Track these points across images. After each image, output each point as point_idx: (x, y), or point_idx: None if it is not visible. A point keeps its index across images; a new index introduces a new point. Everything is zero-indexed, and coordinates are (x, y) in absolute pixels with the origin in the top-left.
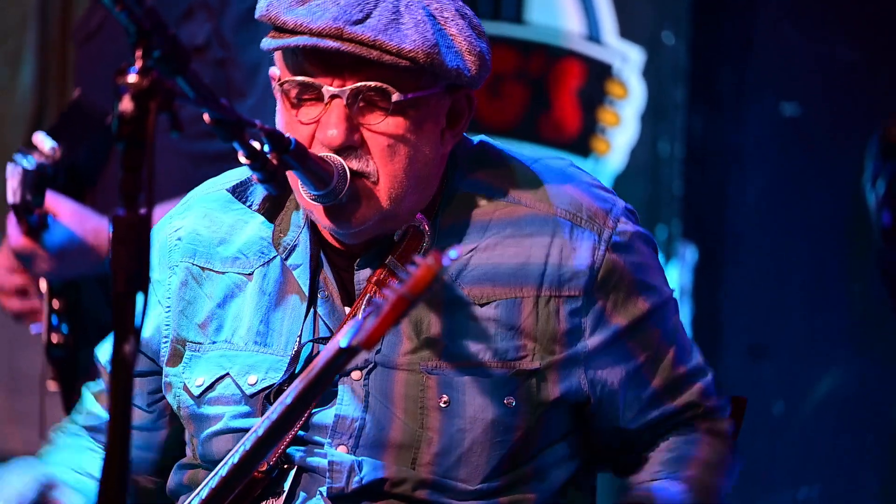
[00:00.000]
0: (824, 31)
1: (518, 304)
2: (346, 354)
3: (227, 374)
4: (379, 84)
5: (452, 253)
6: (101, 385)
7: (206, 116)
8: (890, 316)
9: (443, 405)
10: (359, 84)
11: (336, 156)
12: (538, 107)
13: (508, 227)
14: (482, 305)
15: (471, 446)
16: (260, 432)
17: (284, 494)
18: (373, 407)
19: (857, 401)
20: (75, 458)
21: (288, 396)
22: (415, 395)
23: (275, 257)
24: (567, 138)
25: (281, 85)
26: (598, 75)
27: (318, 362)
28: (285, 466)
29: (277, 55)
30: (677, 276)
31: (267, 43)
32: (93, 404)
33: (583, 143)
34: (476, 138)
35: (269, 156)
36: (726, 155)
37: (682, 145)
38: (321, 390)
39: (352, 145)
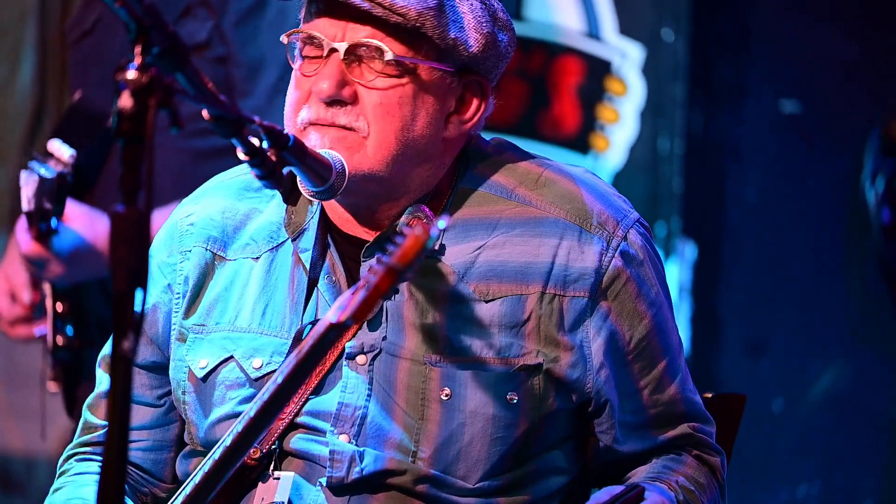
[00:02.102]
0: (824, 27)
1: (523, 301)
2: (336, 329)
3: (232, 356)
4: (373, 41)
5: (441, 223)
6: (94, 395)
7: (205, 113)
8: (889, 312)
9: (444, 398)
10: (355, 40)
11: (335, 152)
12: (538, 104)
13: (518, 227)
14: (487, 302)
15: (470, 441)
16: (252, 413)
17: (279, 483)
18: (376, 395)
19: (856, 397)
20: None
21: (279, 375)
22: (417, 386)
23: (283, 242)
24: (566, 135)
25: (289, 37)
26: (598, 72)
27: (309, 340)
28: (274, 447)
29: (301, 13)
30: (676, 272)
31: None
32: (89, 416)
33: (582, 139)
34: (492, 138)
35: (267, 152)
36: (726, 152)
37: (682, 142)
38: (312, 368)
39: (342, 99)
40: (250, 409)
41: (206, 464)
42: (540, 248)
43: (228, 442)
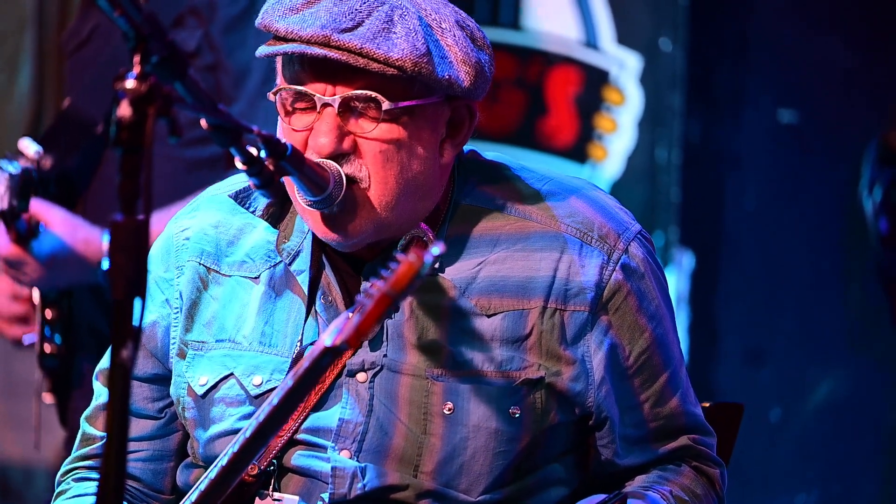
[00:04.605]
0: (822, 37)
1: (524, 315)
2: (331, 353)
3: (232, 374)
4: (368, 93)
5: (435, 249)
6: (93, 407)
7: (203, 122)
8: (887, 321)
9: (447, 412)
10: (349, 92)
11: (332, 162)
12: (535, 113)
13: (519, 242)
14: (489, 316)
15: (473, 455)
16: (248, 434)
17: (283, 500)
18: (377, 411)
19: (855, 406)
20: None
21: (275, 397)
22: (419, 401)
23: (281, 261)
24: (564, 145)
25: (276, 93)
26: (596, 82)
27: (304, 362)
28: (272, 468)
29: (277, 64)
30: (674, 282)
31: (261, 50)
32: (88, 428)
33: (580, 149)
34: (489, 154)
35: (265, 161)
36: (723, 161)
37: (680, 152)
38: (308, 390)
39: (342, 153)
40: (246, 429)
41: (203, 482)
42: (541, 262)
43: (225, 461)
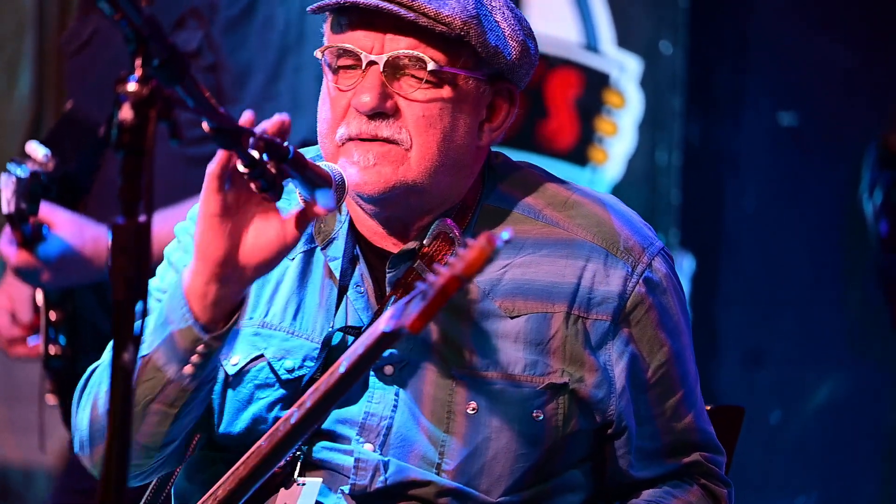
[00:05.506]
0: (822, 40)
1: (548, 319)
2: (389, 338)
3: (262, 355)
4: (414, 52)
5: (505, 234)
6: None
7: (205, 125)
8: (886, 323)
9: (470, 412)
10: (395, 51)
11: (335, 164)
12: (536, 116)
13: (544, 248)
14: (512, 318)
15: (495, 455)
16: (293, 420)
17: (303, 489)
18: (402, 406)
19: (854, 408)
20: None
21: (323, 384)
22: (443, 399)
23: (316, 246)
24: (564, 147)
25: (323, 52)
26: (596, 84)
27: (358, 348)
28: (299, 454)
29: (326, 26)
30: None
31: (314, 6)
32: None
33: (580, 152)
34: (518, 159)
35: (267, 164)
36: (724, 164)
37: (680, 154)
38: (357, 378)
39: (384, 112)
40: (290, 416)
41: (241, 468)
42: (566, 269)
43: (266, 447)
